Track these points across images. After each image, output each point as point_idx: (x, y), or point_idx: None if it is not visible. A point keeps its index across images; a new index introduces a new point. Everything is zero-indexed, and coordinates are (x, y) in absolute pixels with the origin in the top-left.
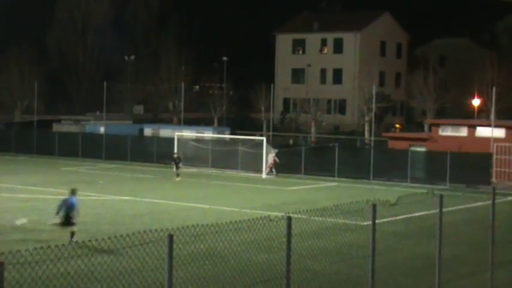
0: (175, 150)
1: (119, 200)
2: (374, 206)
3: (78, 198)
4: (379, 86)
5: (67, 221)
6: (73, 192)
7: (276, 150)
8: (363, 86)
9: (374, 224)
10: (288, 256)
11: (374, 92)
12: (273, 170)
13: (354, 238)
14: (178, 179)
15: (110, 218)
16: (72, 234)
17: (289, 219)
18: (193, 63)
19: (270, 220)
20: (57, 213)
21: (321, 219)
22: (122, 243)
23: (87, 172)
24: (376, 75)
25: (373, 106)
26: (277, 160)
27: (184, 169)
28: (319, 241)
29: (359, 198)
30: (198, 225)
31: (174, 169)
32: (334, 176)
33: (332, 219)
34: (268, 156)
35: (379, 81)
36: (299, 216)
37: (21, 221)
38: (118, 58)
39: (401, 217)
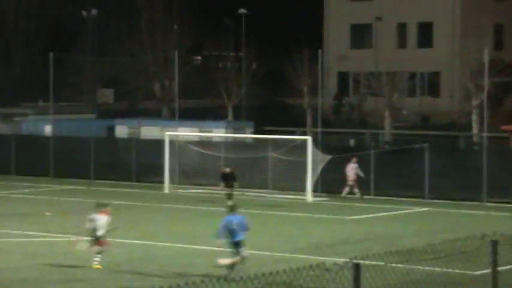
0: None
1: (77, 243)
2: (494, 243)
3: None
4: (494, 50)
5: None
6: (232, 208)
7: (356, 159)
8: (467, 50)
9: (495, 272)
10: None
11: (486, 59)
12: (355, 189)
13: None
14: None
15: (65, 273)
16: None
17: (357, 267)
18: (193, 21)
19: (326, 269)
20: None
21: (406, 266)
22: None
23: (26, 198)
24: (489, 32)
25: (486, 82)
26: (361, 174)
27: (182, 190)
28: None
29: (467, 232)
30: (207, 277)
31: (223, 191)
32: (423, 198)
33: (424, 267)
34: (348, 168)
35: (494, 41)
36: (371, 262)
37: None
38: (71, 14)
39: None
